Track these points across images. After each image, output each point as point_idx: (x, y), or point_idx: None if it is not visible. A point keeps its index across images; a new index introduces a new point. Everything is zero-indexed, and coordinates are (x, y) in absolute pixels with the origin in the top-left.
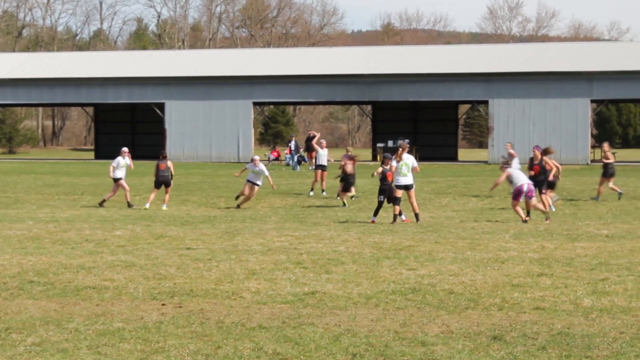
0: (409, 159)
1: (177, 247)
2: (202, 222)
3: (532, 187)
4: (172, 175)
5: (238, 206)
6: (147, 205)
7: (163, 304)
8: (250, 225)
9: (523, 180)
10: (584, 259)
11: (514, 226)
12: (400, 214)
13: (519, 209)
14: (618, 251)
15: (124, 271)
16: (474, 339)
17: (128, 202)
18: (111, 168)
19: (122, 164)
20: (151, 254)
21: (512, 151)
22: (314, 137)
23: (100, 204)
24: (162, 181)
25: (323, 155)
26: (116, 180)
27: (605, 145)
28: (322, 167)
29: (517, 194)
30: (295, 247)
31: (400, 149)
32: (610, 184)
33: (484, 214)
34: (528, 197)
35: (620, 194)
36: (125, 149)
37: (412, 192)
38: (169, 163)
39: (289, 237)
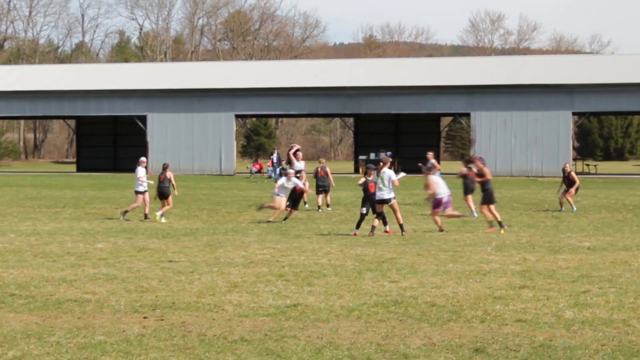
0: (384, 174)
1: (159, 259)
2: (184, 235)
3: (451, 199)
4: (173, 186)
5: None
6: (163, 219)
7: (145, 317)
8: (232, 238)
9: (444, 191)
10: (565, 271)
11: (496, 238)
12: (385, 224)
13: (437, 218)
14: (600, 263)
15: (105, 284)
16: (456, 352)
17: (126, 211)
18: (141, 180)
19: (143, 173)
20: (133, 267)
21: (434, 161)
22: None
23: (145, 217)
24: (159, 192)
25: (299, 167)
26: (138, 192)
27: (567, 165)
28: None
29: (437, 204)
30: (277, 259)
31: (381, 163)
32: (569, 196)
33: (465, 226)
34: (444, 207)
35: (562, 210)
36: (143, 159)
37: (394, 204)
38: (168, 174)
39: (271, 249)
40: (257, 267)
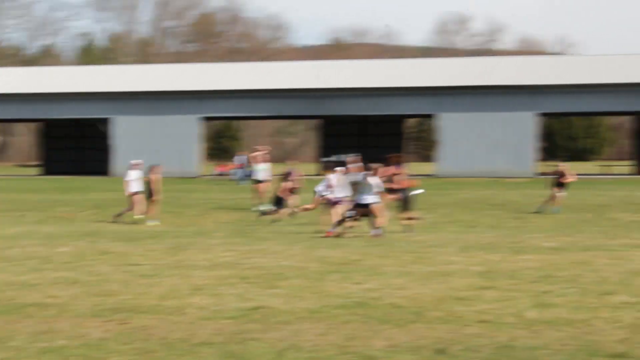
0: (370, 181)
1: (122, 263)
2: (148, 238)
3: (343, 201)
4: (151, 190)
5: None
6: (151, 222)
7: (107, 321)
8: (196, 240)
9: (342, 193)
10: (528, 271)
11: (459, 239)
12: (373, 227)
13: (333, 218)
14: (562, 263)
15: (67, 288)
16: (419, 353)
17: (133, 217)
18: (127, 183)
19: (134, 176)
20: (96, 271)
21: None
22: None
23: (116, 218)
24: (147, 194)
25: (259, 169)
26: (132, 194)
27: (562, 166)
28: (258, 182)
29: (333, 203)
30: (241, 262)
31: (373, 170)
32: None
33: (429, 228)
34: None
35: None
36: (136, 161)
37: (376, 208)
38: (151, 177)
39: (235, 252)
40: (221, 270)
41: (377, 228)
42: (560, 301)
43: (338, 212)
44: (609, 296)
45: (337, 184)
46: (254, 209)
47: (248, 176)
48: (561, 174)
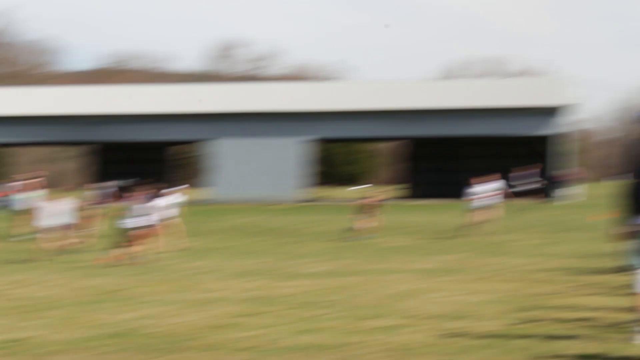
0: (145, 203)
1: None
2: None
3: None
4: None
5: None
6: None
7: None
8: None
9: (51, 220)
10: (290, 297)
11: (227, 266)
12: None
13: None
14: (324, 289)
15: None
16: None
17: None
18: None
19: None
20: None
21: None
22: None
23: None
24: None
25: (24, 197)
26: None
27: (373, 193)
28: (21, 210)
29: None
30: (4, 291)
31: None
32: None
33: (196, 255)
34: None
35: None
36: None
37: (144, 233)
38: None
39: None
40: None
41: (138, 254)
42: (326, 326)
43: (57, 239)
44: (366, 320)
45: (47, 211)
46: (15, 238)
47: (12, 204)
48: (366, 200)
